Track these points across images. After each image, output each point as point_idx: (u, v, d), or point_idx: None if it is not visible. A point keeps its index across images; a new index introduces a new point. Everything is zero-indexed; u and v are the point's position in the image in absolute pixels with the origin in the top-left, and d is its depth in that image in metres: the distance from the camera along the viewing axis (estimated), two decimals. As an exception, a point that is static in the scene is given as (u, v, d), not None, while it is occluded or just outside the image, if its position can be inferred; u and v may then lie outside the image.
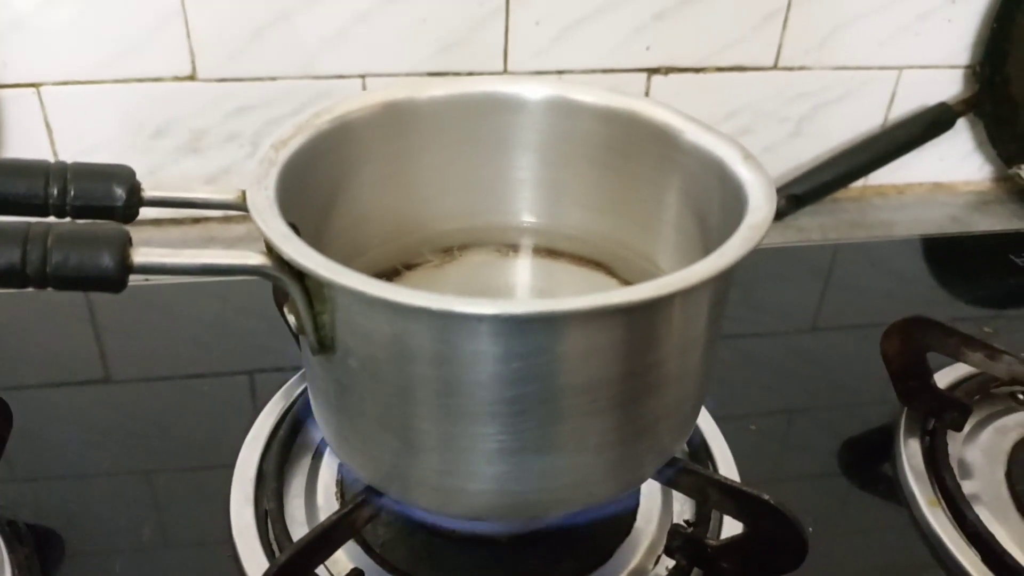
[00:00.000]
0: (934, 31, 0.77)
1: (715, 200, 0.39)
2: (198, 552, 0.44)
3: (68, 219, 0.34)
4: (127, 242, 0.30)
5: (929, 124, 0.81)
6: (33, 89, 0.66)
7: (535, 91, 0.45)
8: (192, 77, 0.67)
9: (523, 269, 0.48)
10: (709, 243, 0.39)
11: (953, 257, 0.76)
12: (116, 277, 0.30)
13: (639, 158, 0.43)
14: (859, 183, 0.83)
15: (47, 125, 0.67)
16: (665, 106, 0.42)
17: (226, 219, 0.74)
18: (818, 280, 0.71)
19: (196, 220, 0.74)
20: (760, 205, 0.35)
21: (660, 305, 0.32)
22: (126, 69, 0.66)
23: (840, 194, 0.82)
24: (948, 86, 0.81)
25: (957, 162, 0.85)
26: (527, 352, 0.31)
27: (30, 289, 0.30)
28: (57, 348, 0.57)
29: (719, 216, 0.39)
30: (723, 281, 0.33)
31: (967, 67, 0.80)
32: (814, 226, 0.79)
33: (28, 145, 0.68)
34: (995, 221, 0.82)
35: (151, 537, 0.44)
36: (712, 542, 0.41)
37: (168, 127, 0.69)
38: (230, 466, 0.47)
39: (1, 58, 0.64)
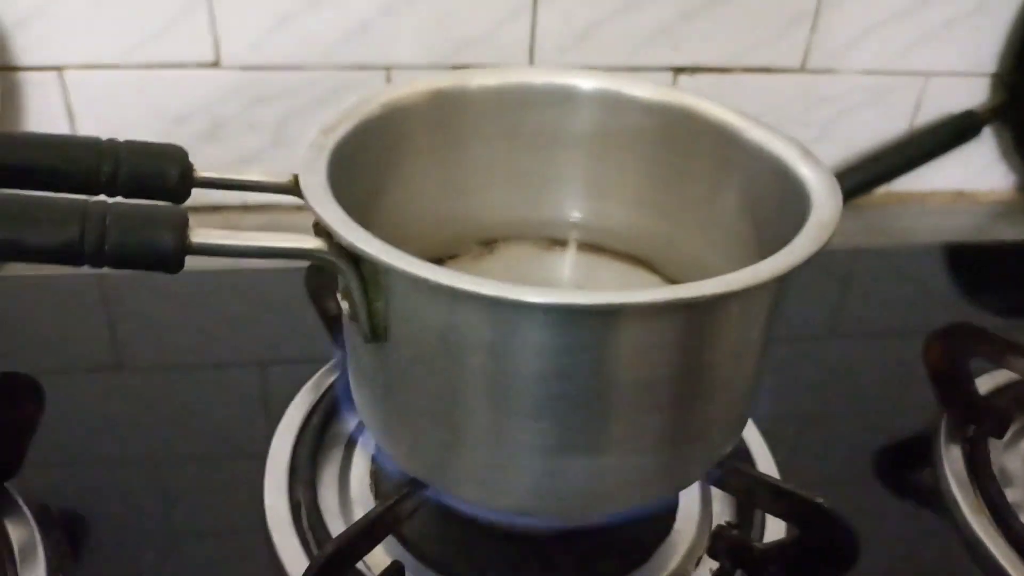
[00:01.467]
0: (962, 38, 0.77)
1: (773, 199, 0.38)
2: (230, 540, 0.43)
3: (119, 198, 0.33)
4: (185, 223, 0.29)
5: (955, 132, 0.80)
6: (56, 73, 0.65)
7: (586, 83, 0.44)
8: (216, 64, 0.67)
9: (563, 263, 0.47)
10: (763, 243, 0.38)
11: (979, 265, 0.76)
12: (174, 257, 0.29)
13: (692, 155, 0.42)
14: (882, 189, 0.82)
15: (68, 109, 0.67)
16: (720, 103, 0.41)
17: (244, 208, 0.73)
18: (842, 286, 0.71)
19: (215, 208, 0.72)
20: (825, 203, 0.34)
21: (727, 302, 0.31)
22: (150, 55, 0.65)
23: (861, 200, 0.81)
24: (975, 94, 0.80)
25: (981, 171, 0.85)
26: (588, 345, 0.31)
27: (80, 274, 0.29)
28: (86, 334, 0.57)
29: (776, 216, 0.38)
30: (788, 281, 0.33)
31: (994, 75, 0.79)
32: (838, 231, 0.78)
33: (48, 128, 0.67)
34: (1019, 231, 0.81)
35: (183, 524, 0.44)
36: (758, 545, 0.40)
37: (189, 114, 0.68)
38: (261, 456, 0.46)
39: (24, 41, 0.63)
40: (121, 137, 0.58)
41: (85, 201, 0.29)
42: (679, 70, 0.73)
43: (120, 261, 0.29)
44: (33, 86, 0.65)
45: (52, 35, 0.63)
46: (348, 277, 0.32)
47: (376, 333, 0.33)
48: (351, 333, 0.36)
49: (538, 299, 0.29)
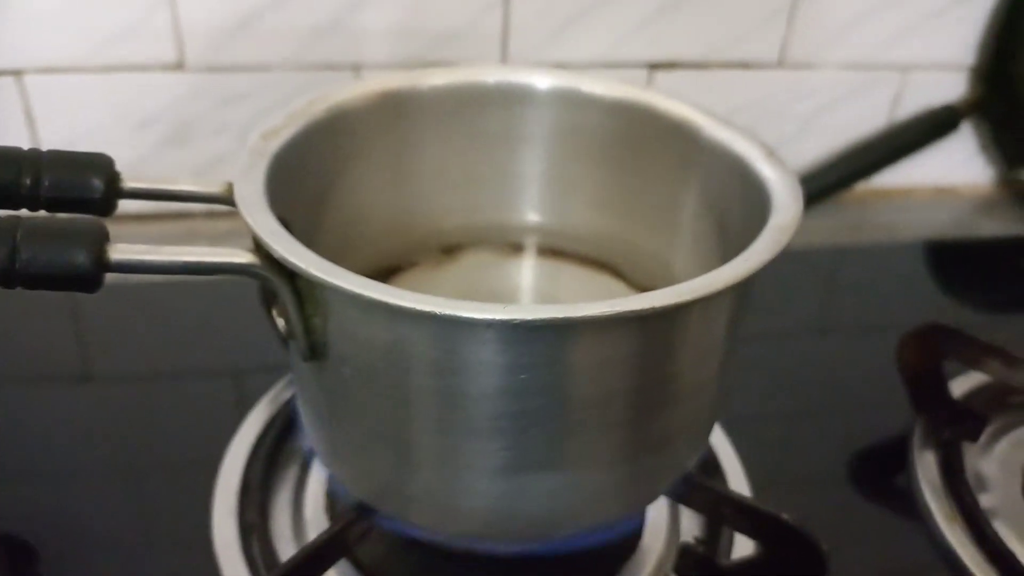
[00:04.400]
0: (940, 31, 0.75)
1: (735, 200, 0.37)
2: (177, 566, 0.41)
3: (42, 212, 0.31)
4: (104, 238, 0.27)
5: (934, 126, 0.79)
6: (14, 77, 0.63)
7: (543, 81, 0.42)
8: (180, 66, 0.65)
9: (526, 271, 0.46)
10: (728, 245, 0.37)
11: (959, 262, 0.75)
12: (91, 275, 0.27)
13: (653, 155, 0.41)
14: (862, 185, 0.81)
15: (28, 115, 0.65)
16: (682, 100, 0.40)
17: (210, 215, 0.71)
18: (820, 284, 0.70)
19: (179, 216, 0.71)
20: (786, 205, 0.33)
21: (682, 312, 0.30)
22: (112, 56, 0.63)
23: (843, 196, 0.80)
24: (954, 87, 0.79)
25: (961, 165, 0.83)
26: (537, 361, 0.29)
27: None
28: (35, 344, 0.55)
29: (739, 217, 0.36)
30: (747, 287, 0.31)
31: (973, 68, 0.78)
32: (817, 228, 0.77)
33: (7, 135, 0.65)
34: (1000, 226, 0.80)
35: (127, 549, 0.42)
36: (724, 562, 0.38)
37: (154, 118, 0.66)
38: (213, 475, 0.44)
39: (-19, 43, 0.61)
40: (84, 144, 0.56)
41: (-6, 216, 0.27)
42: (655, 66, 0.72)
43: (33, 280, 0.27)
44: (-9, 89, 0.63)
45: (9, 37, 0.61)
46: (282, 292, 0.30)
47: (314, 351, 0.31)
48: (292, 351, 0.34)
49: (480, 315, 0.27)
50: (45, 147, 0.33)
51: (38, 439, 0.48)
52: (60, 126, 0.65)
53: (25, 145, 0.60)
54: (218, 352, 0.55)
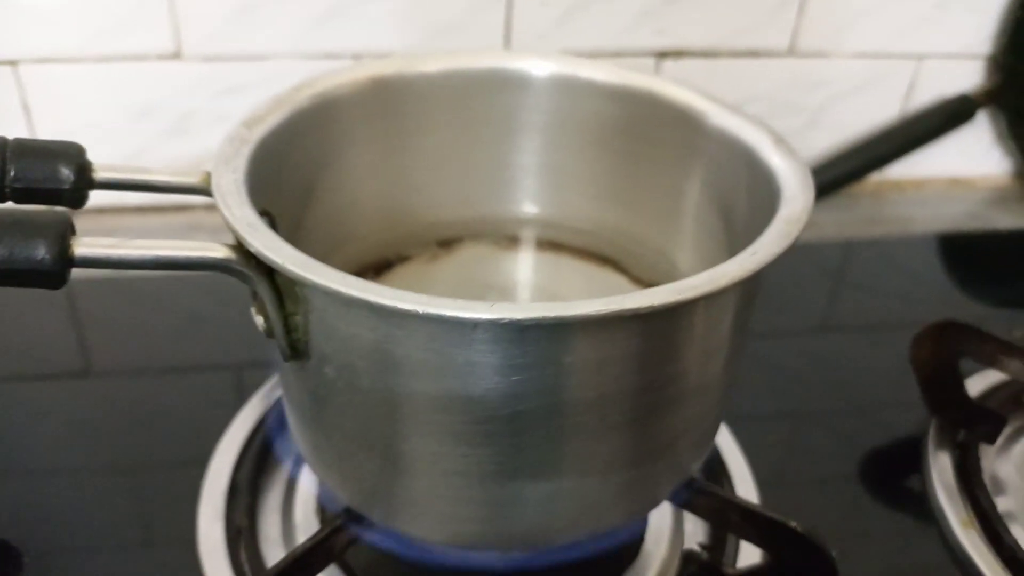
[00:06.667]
0: (955, 18, 0.74)
1: (742, 190, 0.35)
2: (161, 571, 0.40)
3: (9, 204, 0.30)
4: (68, 230, 0.26)
5: (949, 116, 0.77)
6: (10, 67, 0.62)
7: (540, 67, 0.41)
8: (176, 55, 0.64)
9: (524, 265, 0.44)
10: (734, 238, 0.35)
11: (974, 256, 0.73)
12: (54, 271, 0.25)
13: (656, 143, 0.39)
14: (875, 177, 0.79)
15: (24, 106, 0.64)
16: (685, 86, 0.38)
17: (212, 207, 0.70)
18: (832, 279, 0.68)
19: (180, 208, 0.69)
20: (795, 195, 0.31)
21: (684, 310, 0.28)
22: (108, 46, 0.62)
23: (855, 188, 0.79)
24: (969, 76, 0.77)
25: (976, 156, 0.82)
26: (529, 363, 0.27)
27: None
28: (27, 339, 0.54)
29: (746, 208, 0.35)
30: (754, 282, 0.30)
31: (988, 57, 0.76)
32: (829, 221, 0.75)
33: (3, 126, 0.64)
34: (1015, 218, 0.79)
35: (112, 552, 0.41)
36: (730, 571, 0.37)
37: (153, 108, 0.65)
38: (202, 474, 0.43)
39: (-24, 34, 0.60)
40: (81, 136, 0.55)
41: (-49, 208, 0.25)
42: (662, 55, 0.70)
43: (-9, 276, 0.25)
44: (-13, 80, 0.62)
45: (5, 27, 0.60)
46: (261, 289, 0.29)
47: (296, 350, 0.30)
48: (275, 350, 0.33)
49: (465, 314, 0.25)
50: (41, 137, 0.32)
51: (27, 435, 0.47)
52: (57, 117, 0.64)
53: (22, 136, 0.59)
54: (212, 347, 0.54)
